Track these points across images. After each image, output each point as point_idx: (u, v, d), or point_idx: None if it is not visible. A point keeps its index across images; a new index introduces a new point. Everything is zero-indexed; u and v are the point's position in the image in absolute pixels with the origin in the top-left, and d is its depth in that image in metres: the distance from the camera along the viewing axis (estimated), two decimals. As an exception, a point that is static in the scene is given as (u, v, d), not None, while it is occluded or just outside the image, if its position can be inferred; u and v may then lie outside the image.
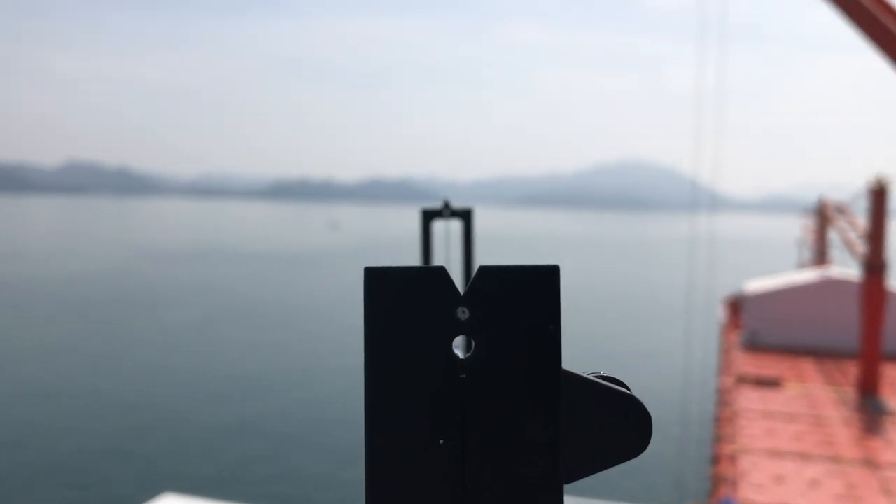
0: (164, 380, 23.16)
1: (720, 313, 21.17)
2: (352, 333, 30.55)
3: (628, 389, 0.41)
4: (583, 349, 29.86)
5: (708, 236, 16.25)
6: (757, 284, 19.09)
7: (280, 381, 23.06)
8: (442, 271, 0.38)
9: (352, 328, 31.75)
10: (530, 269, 0.37)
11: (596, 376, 0.40)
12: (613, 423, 0.39)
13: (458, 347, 0.38)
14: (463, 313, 0.38)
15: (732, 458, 10.55)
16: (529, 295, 0.37)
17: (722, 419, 14.47)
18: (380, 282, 0.39)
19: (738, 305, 20.50)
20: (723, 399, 15.55)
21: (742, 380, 15.55)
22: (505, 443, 0.38)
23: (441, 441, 0.38)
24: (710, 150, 16.44)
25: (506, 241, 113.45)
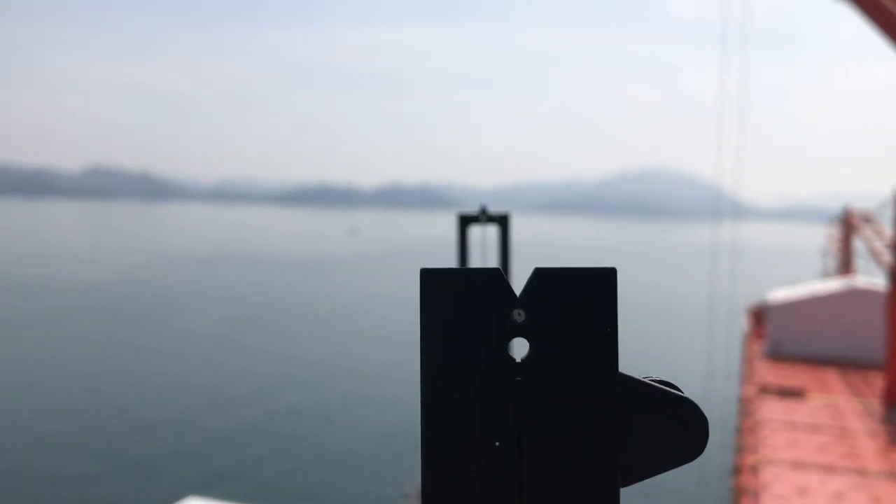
0: (185, 384, 23.40)
1: (743, 322, 20.97)
2: (371, 338, 30.65)
3: (682, 393, 0.41)
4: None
5: (731, 245, 16.13)
6: (780, 294, 18.90)
7: (300, 386, 23.21)
8: (498, 273, 0.38)
9: (371, 332, 31.85)
10: (588, 271, 0.38)
11: (651, 380, 0.41)
12: (670, 426, 0.40)
13: (514, 349, 0.38)
14: (519, 315, 0.38)
15: (754, 470, 10.45)
16: (586, 297, 0.38)
17: (744, 429, 14.33)
18: (436, 283, 0.38)
19: (761, 315, 20.29)
20: (745, 409, 15.40)
21: (765, 390, 15.40)
22: (561, 446, 0.38)
23: (497, 443, 0.38)
24: (732, 158, 16.33)
25: (528, 247, 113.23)
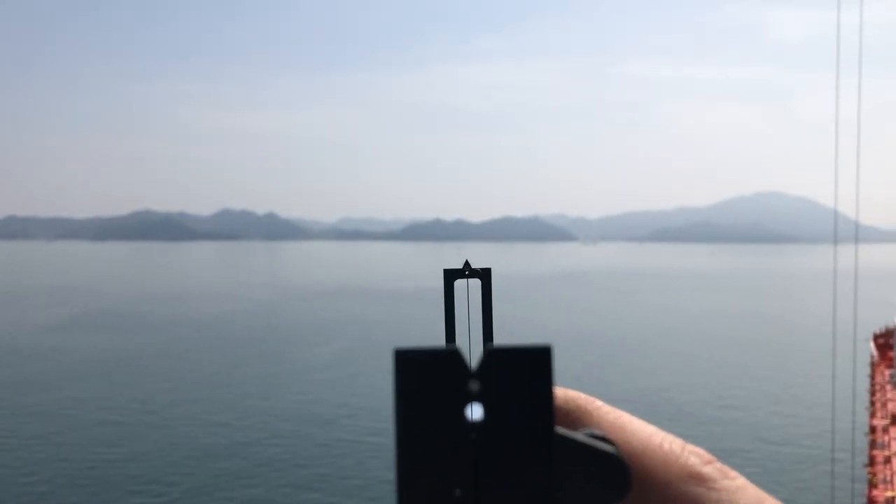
0: (309, 413, 24.74)
1: (869, 349, 19.97)
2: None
3: (614, 446, 0.47)
4: (723, 385, 28.80)
5: (852, 268, 15.62)
6: None
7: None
8: (457, 352, 0.46)
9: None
10: (529, 348, 0.46)
11: (586, 434, 0.47)
12: (597, 473, 0.46)
13: (471, 413, 0.46)
14: (474, 385, 0.46)
15: None
16: (528, 369, 0.46)
17: (876, 462, 13.75)
18: (406, 360, 0.46)
19: (888, 341, 19.31)
20: (876, 441, 14.80)
21: (896, 419, 14.74)
22: (509, 491, 0.46)
23: (458, 491, 0.46)
24: (850, 180, 15.89)
25: (638, 276, 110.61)
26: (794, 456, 19.34)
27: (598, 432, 0.48)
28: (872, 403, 16.87)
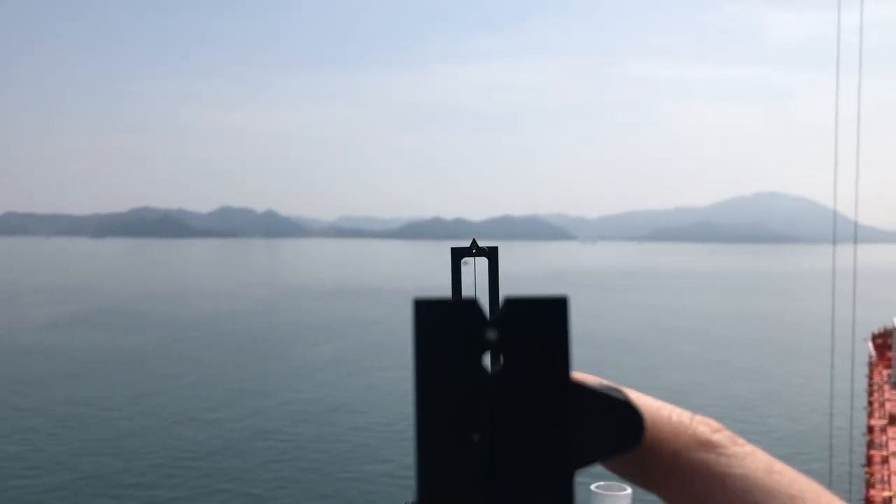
0: (308, 413, 24.81)
1: (868, 349, 20.04)
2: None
3: (626, 397, 0.48)
4: (722, 385, 28.89)
5: (851, 268, 15.68)
6: None
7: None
8: (475, 302, 0.47)
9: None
10: (545, 298, 0.47)
11: (602, 386, 0.49)
12: (611, 421, 0.48)
13: (489, 362, 0.47)
14: (492, 334, 0.47)
15: None
16: (545, 319, 0.47)
17: (873, 462, 13.81)
18: (426, 310, 0.47)
19: (886, 341, 19.39)
20: (873, 440, 14.85)
21: (894, 420, 14.81)
22: (525, 437, 0.47)
23: (476, 436, 0.47)
24: (850, 180, 15.94)
25: (637, 275, 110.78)
26: (791, 455, 19.42)
27: (612, 384, 0.49)
28: (870, 403, 16.93)
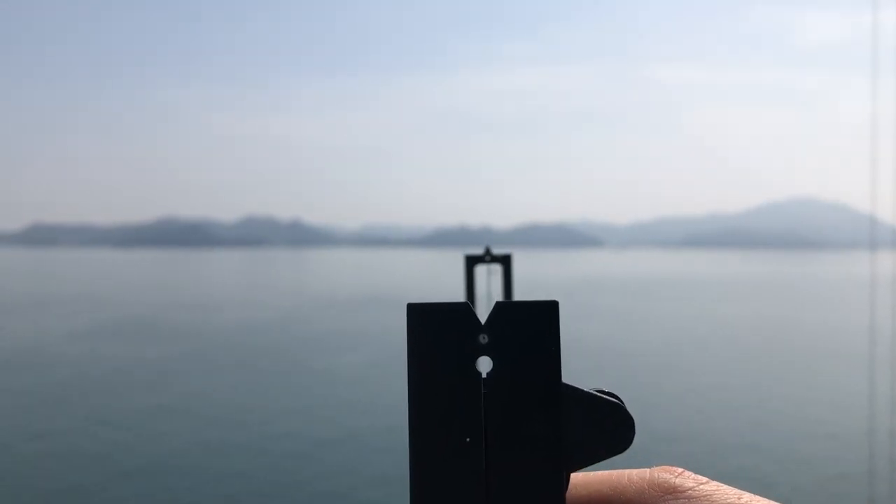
0: (329, 426, 24.58)
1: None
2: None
3: (620, 401, 0.49)
4: (755, 397, 28.08)
5: (890, 274, 15.06)
6: None
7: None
8: (467, 306, 0.48)
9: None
10: (537, 303, 0.47)
11: (595, 390, 0.49)
12: (603, 424, 0.48)
13: (481, 366, 0.48)
14: (483, 338, 0.47)
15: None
16: (536, 324, 0.47)
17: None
18: (419, 315, 0.47)
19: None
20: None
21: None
22: (518, 440, 0.47)
23: (468, 439, 0.47)
24: (887, 183, 15.34)
25: (670, 283, 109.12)
26: (826, 467, 18.73)
27: (604, 388, 0.50)
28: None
